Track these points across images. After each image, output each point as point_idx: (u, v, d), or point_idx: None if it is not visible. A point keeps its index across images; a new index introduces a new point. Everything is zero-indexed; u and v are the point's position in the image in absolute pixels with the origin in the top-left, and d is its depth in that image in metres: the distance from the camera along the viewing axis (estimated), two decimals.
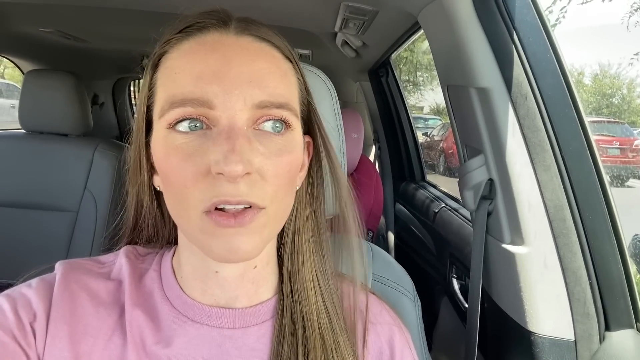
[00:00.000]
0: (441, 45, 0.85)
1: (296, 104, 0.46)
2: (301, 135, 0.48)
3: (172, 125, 0.41)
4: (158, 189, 0.48)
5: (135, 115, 0.48)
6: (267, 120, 0.43)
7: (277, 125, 0.43)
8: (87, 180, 1.62)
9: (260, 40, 0.45)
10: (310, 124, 0.52)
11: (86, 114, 1.68)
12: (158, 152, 0.43)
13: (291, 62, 0.48)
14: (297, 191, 0.51)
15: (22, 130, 1.69)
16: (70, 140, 1.66)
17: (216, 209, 0.40)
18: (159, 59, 0.45)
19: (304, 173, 0.52)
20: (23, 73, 2.30)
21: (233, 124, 0.40)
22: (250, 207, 0.41)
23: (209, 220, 0.40)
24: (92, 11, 1.54)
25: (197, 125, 0.41)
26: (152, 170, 0.48)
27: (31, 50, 2.17)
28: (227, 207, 0.40)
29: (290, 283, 0.51)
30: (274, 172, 0.42)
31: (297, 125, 0.46)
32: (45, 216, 1.60)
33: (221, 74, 0.41)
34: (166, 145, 0.42)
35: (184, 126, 0.41)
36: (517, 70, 0.69)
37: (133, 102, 3.55)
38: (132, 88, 3.53)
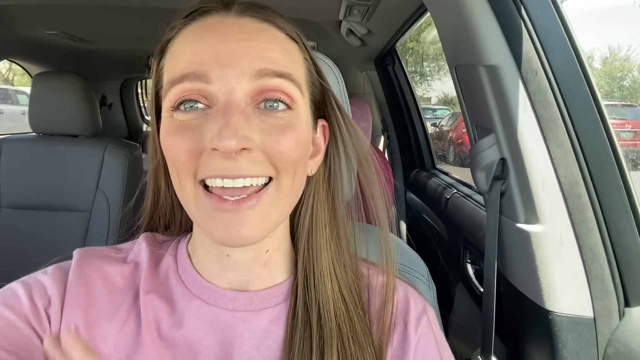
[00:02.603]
0: (448, 25, 0.84)
1: (302, 80, 0.46)
2: (308, 114, 0.47)
3: (175, 108, 0.42)
4: None
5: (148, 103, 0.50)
6: (267, 99, 0.42)
7: (276, 104, 0.43)
8: (99, 180, 1.64)
9: (261, 21, 0.44)
10: (325, 107, 0.51)
11: (95, 114, 1.70)
12: (162, 133, 0.44)
13: (297, 42, 0.47)
14: (313, 177, 0.51)
15: (33, 133, 1.71)
16: (80, 141, 1.68)
17: (215, 190, 0.41)
18: (166, 46, 0.46)
19: (319, 158, 0.51)
20: (31, 76, 2.32)
21: (230, 100, 0.40)
22: (250, 190, 0.41)
23: (205, 198, 0.41)
24: (96, 11, 1.55)
25: (198, 106, 0.42)
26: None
27: (38, 53, 2.19)
28: (227, 184, 0.40)
29: (306, 270, 0.50)
30: (278, 148, 0.42)
31: (301, 102, 0.45)
32: (59, 217, 1.62)
33: (218, 49, 0.41)
34: (168, 125, 0.43)
35: (184, 106, 0.42)
36: (527, 46, 0.68)
37: (141, 102, 3.57)
38: (139, 90, 3.55)
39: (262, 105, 0.42)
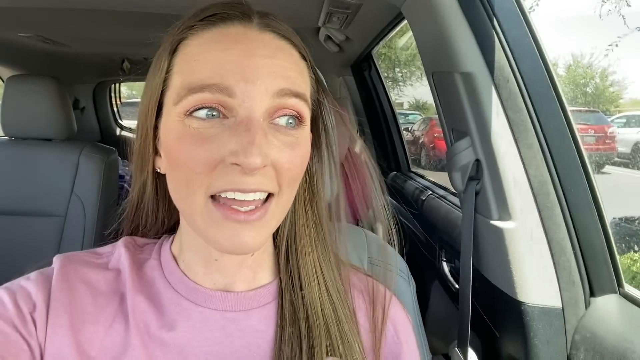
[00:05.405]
0: (425, 34, 0.88)
1: (309, 99, 0.48)
2: (309, 130, 0.49)
3: (190, 113, 0.42)
4: (158, 170, 0.50)
5: (144, 97, 0.48)
6: (282, 115, 0.44)
7: (290, 121, 0.44)
8: (74, 184, 1.61)
9: (280, 37, 0.46)
10: (317, 122, 0.54)
11: (70, 118, 1.67)
12: (169, 136, 0.44)
13: (306, 61, 0.49)
14: None
15: (5, 137, 1.67)
16: (54, 145, 1.65)
17: (224, 201, 0.42)
18: (177, 45, 0.45)
19: None
20: (2, 80, 2.26)
21: (252, 115, 0.41)
22: (256, 203, 0.43)
23: (214, 209, 0.42)
24: (71, 14, 1.53)
25: (214, 114, 0.42)
26: (155, 153, 0.49)
27: (10, 56, 2.14)
28: (238, 198, 0.42)
29: (291, 272, 0.52)
30: (287, 165, 0.43)
31: (308, 120, 0.47)
32: (33, 222, 1.59)
33: (243, 65, 0.42)
34: (180, 130, 0.42)
35: (201, 113, 0.42)
36: (499, 55, 0.73)
37: (114, 107, 3.52)
38: (112, 94, 3.50)
39: (275, 121, 0.44)
